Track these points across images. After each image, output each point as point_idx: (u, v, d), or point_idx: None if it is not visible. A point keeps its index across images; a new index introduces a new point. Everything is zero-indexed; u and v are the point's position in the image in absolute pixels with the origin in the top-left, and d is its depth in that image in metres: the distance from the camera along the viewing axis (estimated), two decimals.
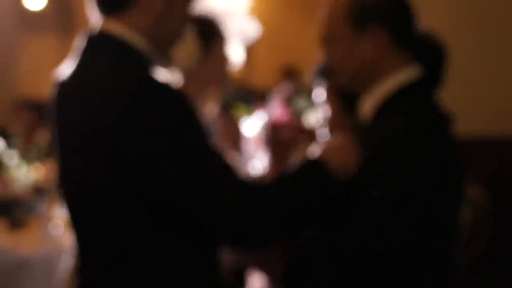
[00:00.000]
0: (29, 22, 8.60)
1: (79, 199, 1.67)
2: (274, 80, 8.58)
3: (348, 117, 2.18)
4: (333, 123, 2.26)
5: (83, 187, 1.62)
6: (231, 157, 2.84)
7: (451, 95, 2.27)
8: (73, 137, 1.63)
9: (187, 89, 2.58)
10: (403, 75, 1.86)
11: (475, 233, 2.58)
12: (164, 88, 1.56)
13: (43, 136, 4.30)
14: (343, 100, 2.22)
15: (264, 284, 2.63)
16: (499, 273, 3.40)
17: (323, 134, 2.32)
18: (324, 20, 1.91)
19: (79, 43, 1.70)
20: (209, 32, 2.59)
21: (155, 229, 1.58)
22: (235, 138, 3.87)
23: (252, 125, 3.65)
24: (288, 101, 4.54)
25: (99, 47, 1.66)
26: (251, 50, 7.95)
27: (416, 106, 1.84)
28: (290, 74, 8.61)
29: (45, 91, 1.76)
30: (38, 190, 3.90)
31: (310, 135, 2.73)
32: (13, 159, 4.13)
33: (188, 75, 2.59)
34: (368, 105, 1.89)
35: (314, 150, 1.73)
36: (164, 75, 1.64)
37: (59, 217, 3.49)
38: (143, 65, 1.64)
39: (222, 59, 2.62)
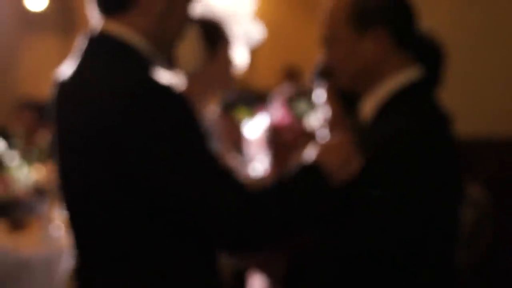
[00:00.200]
0: (30, 23, 8.60)
1: (78, 200, 1.66)
2: (276, 81, 8.58)
3: (348, 118, 2.18)
4: (333, 124, 2.27)
5: (83, 187, 1.62)
6: (232, 158, 2.84)
7: (451, 96, 2.27)
8: (74, 138, 1.62)
9: (192, 92, 2.59)
10: (404, 75, 1.86)
11: (476, 233, 2.58)
12: (165, 90, 1.56)
13: (44, 137, 4.30)
14: (344, 101, 2.23)
15: (265, 286, 2.63)
16: (499, 273, 3.40)
17: (323, 135, 2.32)
18: (325, 20, 1.91)
19: (79, 43, 1.69)
20: (214, 35, 2.60)
21: (155, 230, 1.58)
22: (236, 139, 3.87)
23: (254, 127, 3.65)
24: (290, 103, 4.53)
25: (99, 48, 1.65)
26: (252, 50, 7.95)
27: (417, 107, 1.84)
28: (292, 75, 8.61)
29: (46, 92, 1.76)
30: (39, 191, 3.90)
31: (311, 137, 2.73)
32: (14, 159, 4.13)
33: (193, 77, 2.60)
34: (369, 105, 1.89)
35: (311, 152, 1.73)
36: (165, 76, 1.64)
37: (59, 218, 3.49)
38: (143, 66, 1.63)
39: (227, 62, 2.63)
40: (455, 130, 1.85)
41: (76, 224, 1.71)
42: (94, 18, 1.70)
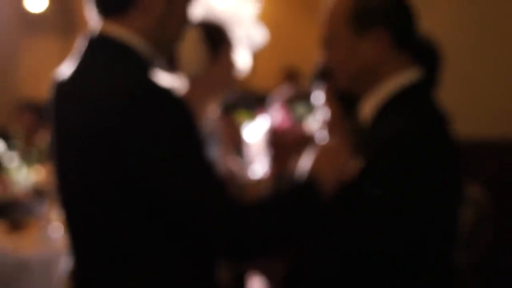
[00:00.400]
0: (30, 24, 8.60)
1: (76, 201, 1.66)
2: (275, 82, 8.58)
3: (347, 119, 2.18)
4: (333, 125, 2.26)
5: (81, 188, 1.62)
6: (232, 160, 2.84)
7: (451, 97, 2.27)
8: (72, 138, 1.62)
9: (194, 95, 2.60)
10: (404, 77, 1.86)
11: (476, 233, 2.57)
12: (164, 92, 1.56)
13: (44, 138, 4.30)
14: (343, 102, 2.22)
15: (264, 286, 2.62)
16: (499, 273, 3.40)
17: (323, 137, 2.32)
18: (325, 21, 1.91)
19: (79, 45, 1.69)
20: (217, 38, 2.60)
21: (152, 232, 1.58)
22: (237, 141, 3.87)
23: (254, 129, 3.65)
24: (289, 105, 4.54)
25: (99, 49, 1.65)
26: (252, 52, 7.94)
27: (417, 108, 1.84)
28: (291, 76, 8.61)
29: (46, 93, 1.76)
30: (38, 192, 3.90)
31: (310, 140, 2.73)
32: (13, 161, 4.13)
33: (195, 80, 2.60)
34: (368, 107, 1.89)
35: (308, 159, 1.73)
36: (164, 78, 1.63)
37: (59, 219, 3.49)
38: (143, 67, 1.63)
39: (229, 65, 2.63)
40: (454, 131, 1.85)
41: (73, 225, 1.70)
42: (93, 20, 1.70)
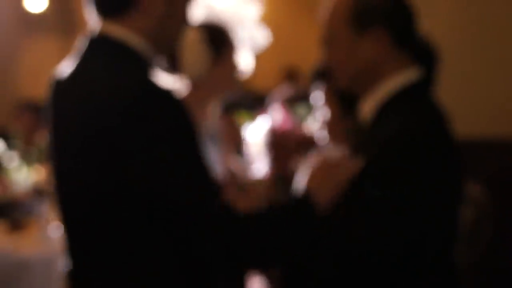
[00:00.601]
0: (30, 24, 8.61)
1: (73, 200, 1.66)
2: (275, 82, 8.59)
3: (347, 119, 2.18)
4: (332, 126, 2.27)
5: (78, 187, 1.61)
6: (233, 160, 2.84)
7: (451, 97, 2.28)
8: (70, 138, 1.62)
9: (196, 96, 2.60)
10: (404, 76, 1.86)
11: (476, 232, 2.58)
12: (164, 93, 1.55)
13: (44, 138, 4.30)
14: (343, 102, 2.22)
15: (264, 286, 2.63)
16: (499, 272, 3.40)
17: (322, 137, 2.32)
18: (325, 21, 1.92)
19: (79, 44, 1.69)
20: (219, 40, 2.61)
21: (149, 233, 1.57)
22: (237, 141, 3.87)
23: (254, 129, 3.66)
24: (290, 106, 4.55)
25: (99, 49, 1.65)
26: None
27: (417, 107, 1.84)
28: (291, 76, 8.61)
29: (46, 93, 1.76)
30: (38, 192, 3.90)
31: (311, 140, 2.73)
32: (13, 160, 4.13)
33: (197, 82, 2.60)
34: (368, 106, 1.89)
35: (303, 175, 1.74)
36: (164, 78, 1.63)
37: (58, 218, 3.49)
38: (143, 68, 1.63)
39: (231, 67, 2.64)
40: (454, 130, 1.85)
41: (71, 225, 1.70)
42: (93, 20, 1.69)
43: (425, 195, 1.75)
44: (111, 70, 1.59)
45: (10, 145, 4.33)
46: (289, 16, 9.64)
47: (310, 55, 4.85)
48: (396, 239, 1.74)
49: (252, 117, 5.14)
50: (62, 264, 1.76)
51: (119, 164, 1.52)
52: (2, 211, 3.82)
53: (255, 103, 6.59)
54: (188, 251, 1.60)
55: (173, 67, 2.61)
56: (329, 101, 2.27)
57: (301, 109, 4.44)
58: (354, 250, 1.76)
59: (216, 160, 2.69)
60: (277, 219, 1.64)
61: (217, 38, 2.61)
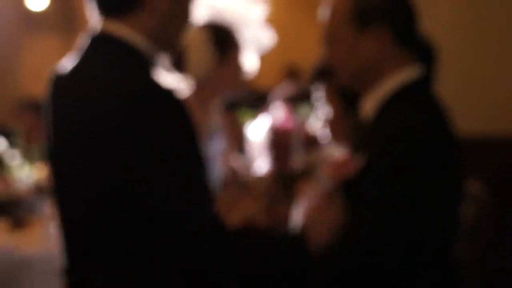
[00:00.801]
0: (31, 23, 8.60)
1: (71, 198, 1.65)
2: (277, 79, 8.58)
3: (348, 117, 2.18)
4: (334, 124, 2.27)
5: (76, 186, 1.60)
6: (234, 158, 2.85)
7: (452, 94, 2.28)
8: (70, 136, 1.61)
9: (200, 96, 2.61)
10: (405, 74, 1.86)
11: (476, 229, 2.58)
12: (165, 93, 1.54)
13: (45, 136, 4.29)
14: (344, 100, 2.23)
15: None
16: (500, 269, 3.40)
17: (324, 135, 2.32)
18: (326, 19, 1.92)
19: (81, 42, 1.68)
20: (225, 40, 2.61)
21: (145, 234, 1.55)
22: (239, 139, 3.87)
23: (256, 127, 3.66)
24: (291, 104, 4.54)
25: (101, 48, 1.64)
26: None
27: (418, 105, 1.84)
28: (292, 74, 8.60)
29: (46, 88, 1.75)
30: (40, 190, 3.90)
31: (313, 139, 2.74)
32: (15, 158, 4.13)
33: (202, 82, 2.61)
34: (369, 104, 1.89)
35: (300, 215, 1.73)
36: (166, 78, 1.63)
37: (56, 217, 3.49)
38: (145, 67, 1.62)
39: (236, 68, 2.65)
40: (455, 127, 1.85)
41: (68, 223, 1.69)
42: (95, 18, 1.68)
43: (426, 193, 1.75)
44: (113, 69, 1.58)
45: (11, 143, 4.34)
46: (290, 14, 9.63)
47: (311, 53, 4.85)
48: (397, 237, 1.74)
49: (254, 115, 5.13)
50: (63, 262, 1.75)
51: (119, 164, 1.51)
52: (4, 209, 3.82)
53: (256, 101, 6.59)
54: (183, 254, 1.59)
55: (178, 66, 2.62)
56: (331, 99, 2.27)
57: (302, 108, 4.44)
58: (356, 249, 1.76)
59: (219, 158, 2.69)
60: (265, 251, 1.62)
61: (223, 38, 2.62)
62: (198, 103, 2.60)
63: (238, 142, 3.69)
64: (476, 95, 3.48)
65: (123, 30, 1.63)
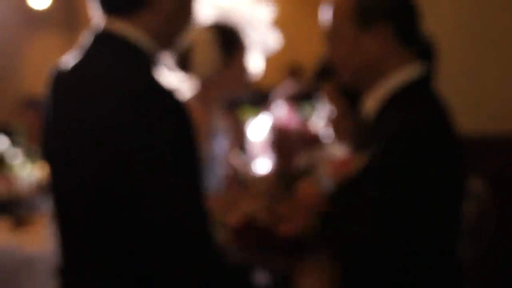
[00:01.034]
0: (34, 21, 8.61)
1: (68, 196, 1.64)
2: (278, 78, 8.57)
3: (351, 116, 2.18)
4: (337, 123, 2.26)
5: (73, 184, 1.60)
6: (235, 157, 2.84)
7: (454, 94, 2.27)
8: (69, 134, 1.60)
9: (205, 96, 2.61)
10: (406, 72, 1.86)
11: (478, 228, 2.58)
12: (166, 95, 1.53)
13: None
14: (346, 99, 2.22)
15: (269, 283, 2.63)
16: (502, 268, 3.40)
17: (327, 134, 2.32)
18: (329, 17, 1.91)
19: (83, 40, 1.67)
20: (231, 41, 2.62)
21: (141, 234, 1.53)
22: (240, 138, 3.87)
23: (257, 126, 3.66)
24: (294, 103, 4.54)
25: (104, 46, 1.63)
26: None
27: (420, 104, 1.84)
28: (295, 72, 8.60)
29: (46, 84, 1.74)
30: (42, 189, 3.90)
31: (315, 138, 2.73)
32: (17, 157, 4.14)
33: (206, 82, 2.61)
34: (371, 103, 1.89)
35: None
36: (169, 77, 1.62)
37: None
38: (147, 67, 1.61)
39: (241, 69, 2.65)
40: (457, 126, 1.85)
41: (65, 222, 1.68)
42: (98, 17, 1.67)
43: (428, 192, 1.75)
44: (115, 68, 1.57)
45: (14, 142, 4.34)
46: (291, 13, 9.63)
47: (313, 51, 4.84)
48: (398, 236, 1.74)
49: (255, 113, 5.13)
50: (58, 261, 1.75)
51: (117, 163, 1.50)
52: (6, 208, 3.82)
53: (258, 99, 6.59)
54: (179, 254, 1.56)
55: (183, 66, 2.62)
56: (333, 98, 2.26)
57: (305, 106, 4.43)
58: (357, 248, 1.76)
59: (221, 158, 2.69)
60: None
61: (229, 39, 2.62)
62: (201, 103, 2.60)
63: (239, 140, 3.69)
64: (478, 94, 3.48)
65: (127, 29, 1.62)
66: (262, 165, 2.84)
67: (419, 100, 1.84)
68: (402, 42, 1.87)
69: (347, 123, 2.22)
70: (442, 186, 1.77)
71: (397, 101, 1.85)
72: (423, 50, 1.91)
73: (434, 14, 2.54)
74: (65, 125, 1.62)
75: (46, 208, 3.65)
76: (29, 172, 4.05)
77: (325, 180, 2.02)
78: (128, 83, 1.53)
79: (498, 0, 3.49)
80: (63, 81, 1.67)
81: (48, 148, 1.71)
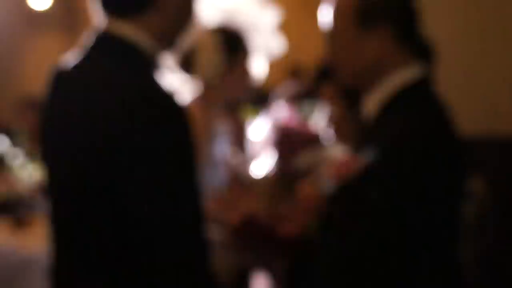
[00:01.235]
0: (34, 22, 8.62)
1: (63, 197, 1.64)
2: (279, 79, 8.57)
3: (352, 117, 2.18)
4: (337, 123, 2.26)
5: (69, 186, 1.59)
6: (235, 157, 2.85)
7: (455, 94, 2.27)
8: (66, 135, 1.59)
9: (207, 99, 2.62)
10: (407, 73, 1.86)
11: (478, 228, 2.58)
12: (167, 99, 1.52)
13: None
14: (347, 100, 2.22)
15: (268, 284, 2.63)
16: (502, 268, 3.40)
17: (328, 136, 2.32)
18: (329, 18, 1.92)
19: (85, 41, 1.66)
20: (235, 45, 2.62)
21: (134, 238, 1.52)
22: (241, 138, 3.87)
23: (258, 126, 3.66)
24: (294, 103, 4.54)
25: (106, 48, 1.62)
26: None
27: (420, 105, 1.84)
28: (295, 73, 8.61)
29: (47, 83, 1.74)
30: (42, 189, 3.90)
31: (316, 138, 2.74)
32: (18, 158, 4.14)
33: (209, 85, 2.62)
34: (372, 104, 1.89)
35: None
36: (171, 80, 1.61)
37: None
38: (149, 70, 1.61)
39: (244, 73, 2.66)
40: (458, 127, 1.85)
41: (60, 224, 1.67)
42: (99, 18, 1.66)
43: (428, 193, 1.75)
44: (115, 70, 1.57)
45: (14, 143, 4.34)
46: (293, 14, 9.63)
47: (313, 53, 4.84)
48: (399, 238, 1.74)
49: (257, 113, 5.14)
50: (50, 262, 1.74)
51: (116, 164, 1.49)
52: (6, 208, 3.83)
53: (259, 99, 6.59)
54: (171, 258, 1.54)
55: (186, 68, 2.63)
56: (334, 99, 2.27)
57: (306, 107, 4.44)
58: (357, 249, 1.76)
59: (222, 161, 2.70)
60: None
61: (233, 43, 2.63)
62: (203, 105, 2.61)
63: (240, 141, 3.70)
64: (478, 94, 3.48)
65: (129, 30, 1.61)
66: (263, 165, 2.84)
67: (419, 101, 1.85)
68: (402, 43, 1.87)
69: (347, 125, 2.22)
70: (442, 187, 1.77)
71: (397, 102, 1.85)
72: (423, 51, 1.91)
73: (435, 15, 2.54)
74: (63, 126, 1.62)
75: (46, 208, 3.65)
76: (30, 172, 4.06)
77: (325, 181, 2.02)
78: (128, 86, 1.52)
79: (498, 0, 3.50)
80: (63, 81, 1.66)
81: (45, 148, 1.70)
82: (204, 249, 1.54)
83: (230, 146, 2.83)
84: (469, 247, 2.49)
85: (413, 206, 1.73)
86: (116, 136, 1.49)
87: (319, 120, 2.67)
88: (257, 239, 2.11)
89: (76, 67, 1.63)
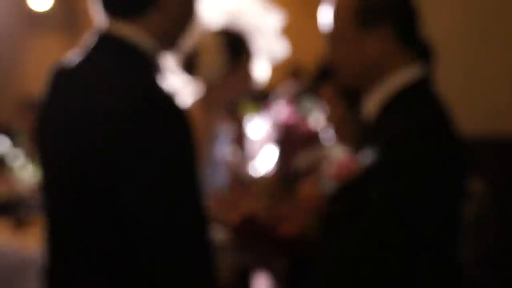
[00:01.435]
0: (35, 23, 8.62)
1: (61, 197, 1.63)
2: (279, 78, 8.57)
3: (352, 117, 2.18)
4: (337, 124, 2.27)
5: (66, 186, 1.59)
6: (235, 156, 2.85)
7: (455, 94, 2.27)
8: (63, 135, 1.59)
9: (209, 100, 2.63)
10: (407, 73, 1.86)
11: (478, 228, 2.58)
12: (167, 101, 1.52)
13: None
14: (347, 100, 2.23)
15: (269, 284, 2.63)
16: (503, 268, 3.40)
17: (329, 136, 2.32)
18: (330, 18, 1.92)
19: (86, 42, 1.66)
20: (238, 48, 2.63)
21: (131, 238, 1.52)
22: (241, 138, 3.87)
23: (258, 125, 3.66)
24: (295, 102, 4.54)
25: (107, 49, 1.62)
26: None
27: (420, 105, 1.84)
28: (295, 72, 8.60)
29: (46, 83, 1.74)
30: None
31: (317, 137, 2.74)
32: (18, 158, 4.14)
33: (211, 86, 2.62)
34: (372, 104, 1.89)
35: None
36: (172, 81, 1.61)
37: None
38: (150, 71, 1.60)
39: (247, 76, 2.66)
40: (458, 127, 1.85)
41: (55, 224, 1.68)
42: (100, 19, 1.66)
43: (429, 194, 1.75)
44: (116, 71, 1.56)
45: (15, 143, 4.34)
46: (293, 13, 9.63)
47: (313, 52, 4.84)
48: (399, 236, 1.74)
49: (257, 111, 5.14)
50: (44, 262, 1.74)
51: (115, 166, 1.49)
52: (7, 209, 3.83)
53: (260, 98, 6.59)
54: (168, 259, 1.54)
55: (189, 69, 2.63)
56: (334, 99, 2.27)
57: (306, 106, 4.44)
58: (357, 249, 1.76)
59: (223, 162, 2.70)
60: None
61: (236, 45, 2.64)
62: (204, 107, 2.61)
63: (241, 142, 3.70)
64: (478, 94, 3.48)
65: (129, 31, 1.61)
66: (263, 165, 2.85)
67: (419, 101, 1.85)
68: (402, 43, 1.87)
69: (347, 125, 2.23)
70: (443, 187, 1.77)
71: (397, 102, 1.85)
72: (423, 51, 1.91)
73: (435, 15, 2.54)
74: (63, 126, 1.61)
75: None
76: (30, 173, 4.06)
77: (325, 181, 2.02)
78: (129, 87, 1.52)
79: (498, 0, 3.50)
80: (63, 81, 1.66)
81: (43, 148, 1.69)
82: (206, 250, 1.53)
83: (231, 147, 2.83)
84: (469, 247, 2.49)
85: (413, 206, 1.73)
86: (117, 137, 1.48)
87: (319, 118, 2.68)
88: (257, 239, 2.11)
89: (76, 67, 1.63)
